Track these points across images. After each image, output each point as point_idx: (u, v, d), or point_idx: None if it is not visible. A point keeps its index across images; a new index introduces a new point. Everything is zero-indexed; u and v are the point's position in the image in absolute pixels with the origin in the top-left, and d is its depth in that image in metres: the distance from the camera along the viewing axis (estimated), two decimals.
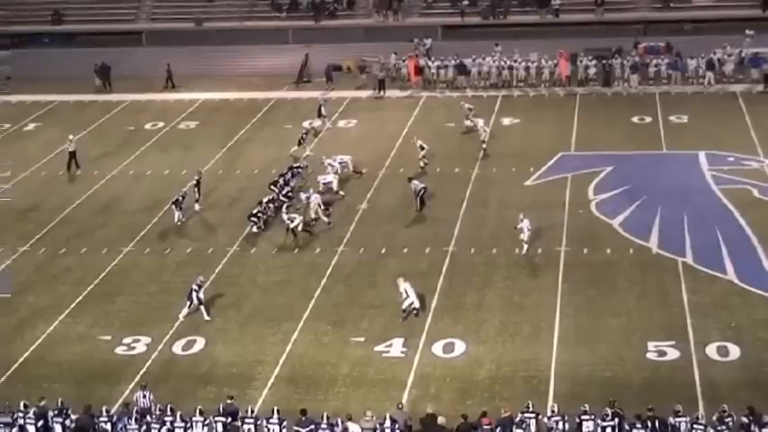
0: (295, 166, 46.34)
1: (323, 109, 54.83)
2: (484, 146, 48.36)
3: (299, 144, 49.19)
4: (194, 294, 35.24)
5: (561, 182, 44.94)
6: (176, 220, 42.47)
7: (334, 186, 44.64)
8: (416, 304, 34.11)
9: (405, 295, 34.28)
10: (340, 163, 46.35)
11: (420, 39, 63.96)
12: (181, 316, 35.12)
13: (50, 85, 62.95)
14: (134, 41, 70.83)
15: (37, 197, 46.74)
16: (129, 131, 55.35)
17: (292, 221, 40.41)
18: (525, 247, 38.15)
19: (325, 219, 41.75)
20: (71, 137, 50.31)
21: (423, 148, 47.06)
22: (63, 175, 49.10)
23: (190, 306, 35.27)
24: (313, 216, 41.72)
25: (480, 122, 49.63)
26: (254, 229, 41.33)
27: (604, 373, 30.75)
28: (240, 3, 72.18)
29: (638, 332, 32.64)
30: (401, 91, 59.56)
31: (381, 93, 59.06)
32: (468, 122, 51.29)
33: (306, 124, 52.59)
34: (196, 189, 43.70)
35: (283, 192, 43.44)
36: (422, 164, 46.78)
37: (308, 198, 42.17)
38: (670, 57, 58.62)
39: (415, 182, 43.37)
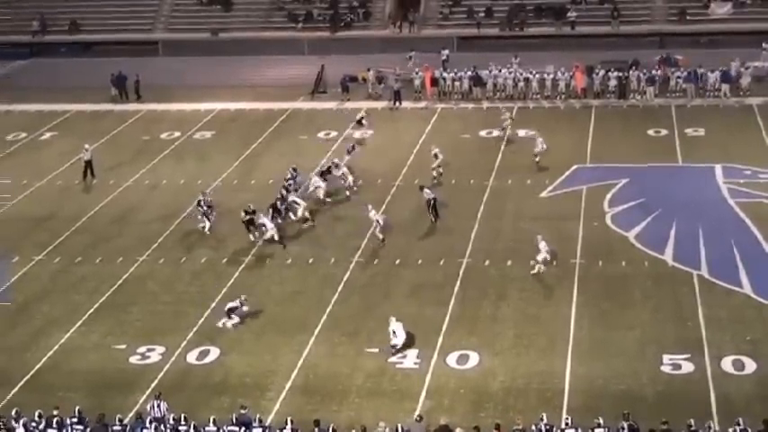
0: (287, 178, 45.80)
1: (364, 120, 54.62)
2: (537, 159, 48.25)
3: (348, 153, 49.18)
4: (239, 309, 35.33)
5: (576, 194, 44.86)
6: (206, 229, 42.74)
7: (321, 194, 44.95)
8: (399, 346, 33.16)
9: (392, 336, 33.28)
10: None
11: (413, 52, 64.25)
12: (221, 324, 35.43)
13: (67, 94, 63.17)
14: (150, 51, 71.11)
15: (52, 206, 46.87)
16: (145, 141, 55.49)
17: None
18: (538, 267, 37.61)
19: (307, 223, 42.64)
20: (87, 146, 50.47)
21: (437, 157, 47.04)
22: (78, 185, 49.25)
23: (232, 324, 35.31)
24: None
25: (530, 134, 50.09)
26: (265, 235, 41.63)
27: (619, 385, 30.65)
28: (256, 13, 72.51)
29: (653, 345, 32.54)
30: (416, 102, 59.52)
31: (397, 104, 59.04)
32: (502, 132, 51.38)
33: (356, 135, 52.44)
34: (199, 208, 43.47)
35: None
36: (435, 173, 46.77)
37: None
38: (686, 70, 58.42)
39: (427, 190, 43.39)
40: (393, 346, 33.15)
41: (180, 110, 60.68)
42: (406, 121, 56.74)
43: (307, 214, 43.11)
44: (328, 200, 45.00)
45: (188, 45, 70.52)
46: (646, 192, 44.54)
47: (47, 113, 61.05)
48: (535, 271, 37.57)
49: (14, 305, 37.85)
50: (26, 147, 55.90)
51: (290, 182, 45.08)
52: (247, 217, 41.75)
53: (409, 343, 33.35)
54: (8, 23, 73.83)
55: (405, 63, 62.72)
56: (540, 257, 37.62)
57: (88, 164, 49.75)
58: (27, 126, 58.86)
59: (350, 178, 46.23)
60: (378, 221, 40.65)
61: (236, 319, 35.30)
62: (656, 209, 42.72)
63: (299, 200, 43.65)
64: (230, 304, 35.55)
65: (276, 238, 41.23)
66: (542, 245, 37.72)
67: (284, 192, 43.97)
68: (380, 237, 40.71)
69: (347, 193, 46.02)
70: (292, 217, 43.14)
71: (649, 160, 48.26)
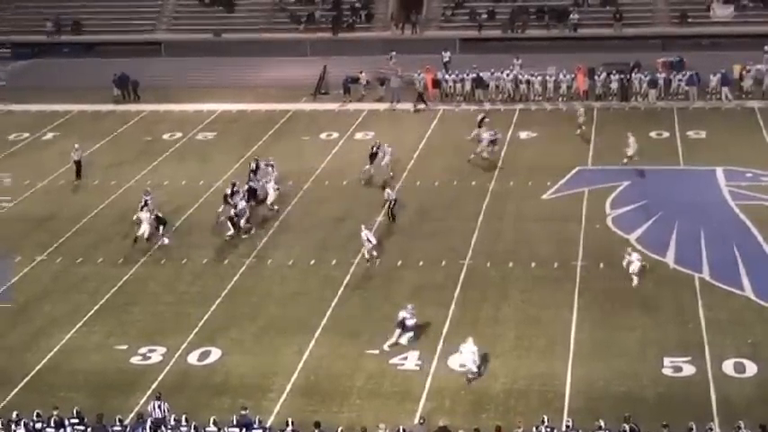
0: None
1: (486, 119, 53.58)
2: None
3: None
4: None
5: (578, 196, 44.86)
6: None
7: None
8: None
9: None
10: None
11: (393, 53, 64.25)
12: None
13: (69, 94, 63.22)
14: (153, 52, 71.14)
15: (54, 207, 46.90)
16: (147, 142, 55.53)
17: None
18: (635, 279, 36.52)
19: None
20: (76, 145, 50.59)
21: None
22: (80, 185, 49.25)
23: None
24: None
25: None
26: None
27: (620, 388, 30.62)
28: (259, 15, 72.55)
29: (654, 347, 32.53)
30: (418, 104, 59.47)
31: (422, 105, 58.72)
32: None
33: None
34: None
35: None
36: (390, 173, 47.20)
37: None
38: (688, 72, 58.41)
39: (388, 190, 43.58)
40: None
41: (182, 110, 60.70)
42: (407, 122, 56.74)
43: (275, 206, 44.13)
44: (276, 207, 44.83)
45: (190, 46, 70.55)
46: (648, 194, 44.54)
47: (49, 113, 61.09)
48: (635, 283, 36.35)
49: (16, 305, 37.84)
50: (28, 147, 55.94)
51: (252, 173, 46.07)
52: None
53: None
54: (10, 23, 73.86)
55: (406, 65, 62.61)
56: (634, 269, 36.56)
57: (78, 164, 49.83)
58: (29, 126, 58.91)
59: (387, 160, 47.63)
60: (369, 240, 39.42)
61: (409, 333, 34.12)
62: (658, 211, 42.71)
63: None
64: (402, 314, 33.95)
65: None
66: (635, 256, 36.74)
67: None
68: (374, 254, 39.47)
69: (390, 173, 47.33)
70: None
71: (651, 163, 48.22)
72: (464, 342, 31.71)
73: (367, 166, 47.90)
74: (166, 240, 41.93)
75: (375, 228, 41.91)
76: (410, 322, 33.52)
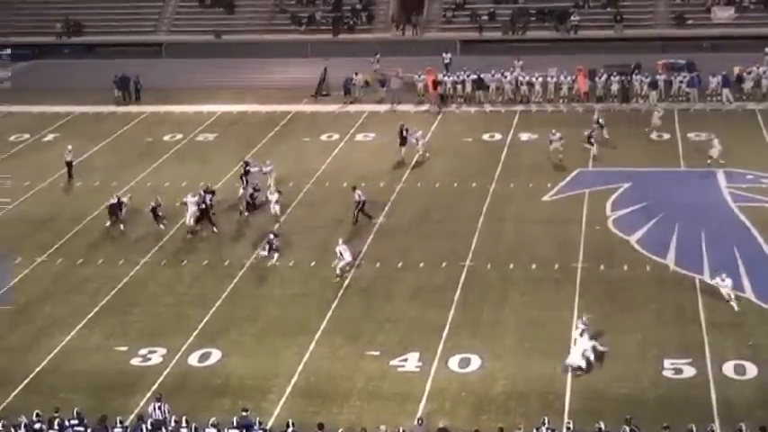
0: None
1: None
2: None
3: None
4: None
5: (578, 198, 44.86)
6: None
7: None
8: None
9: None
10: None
11: (377, 55, 64.29)
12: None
13: (70, 96, 63.24)
14: (154, 53, 71.18)
15: (54, 208, 46.93)
16: (148, 143, 55.55)
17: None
18: (734, 304, 34.98)
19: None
20: (69, 147, 50.62)
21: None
22: (80, 186, 49.29)
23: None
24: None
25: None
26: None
27: (620, 389, 30.61)
28: (259, 16, 72.61)
29: (655, 349, 32.51)
30: (418, 105, 59.47)
31: (443, 108, 58.72)
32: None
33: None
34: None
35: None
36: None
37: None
38: (689, 74, 58.41)
39: (359, 192, 43.50)
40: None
41: (183, 112, 60.72)
42: (407, 124, 56.51)
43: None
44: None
45: (191, 47, 70.61)
46: (648, 196, 44.53)
47: (50, 115, 61.11)
48: (736, 308, 34.76)
49: (16, 306, 37.85)
50: (29, 148, 55.98)
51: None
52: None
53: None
54: (10, 25, 73.88)
55: (407, 66, 62.56)
56: (728, 292, 35.35)
57: (69, 165, 49.86)
58: (30, 127, 58.94)
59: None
60: (342, 255, 38.56)
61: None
62: (659, 213, 42.70)
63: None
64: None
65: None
66: (727, 282, 35.27)
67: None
68: (347, 269, 38.74)
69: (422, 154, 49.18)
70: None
71: (652, 164, 48.26)
72: (579, 336, 31.75)
73: (402, 152, 49.76)
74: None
75: (375, 228, 42.04)
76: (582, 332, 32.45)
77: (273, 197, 43.32)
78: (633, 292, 36.44)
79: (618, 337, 33.30)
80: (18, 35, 73.22)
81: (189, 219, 42.91)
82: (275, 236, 40.58)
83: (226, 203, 45.51)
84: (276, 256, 39.99)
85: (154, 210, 43.15)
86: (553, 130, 49.51)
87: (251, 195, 44.80)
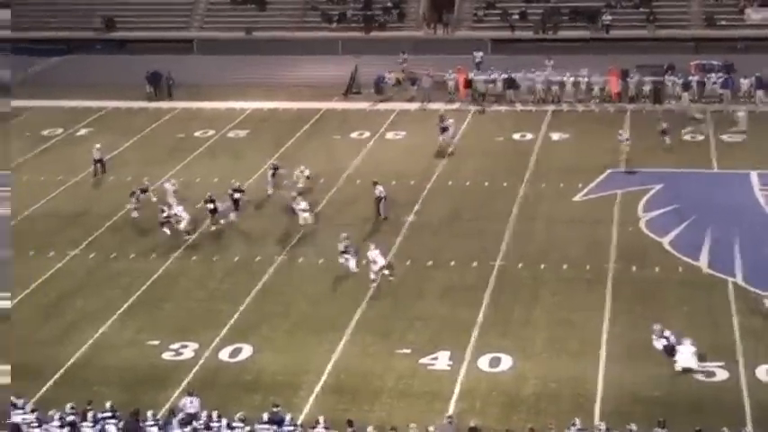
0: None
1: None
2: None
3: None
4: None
5: (610, 199, 44.70)
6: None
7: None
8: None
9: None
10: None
11: (405, 55, 64.14)
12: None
13: (102, 91, 63.45)
14: (185, 49, 71.34)
15: (86, 202, 47.15)
16: (179, 139, 55.72)
17: None
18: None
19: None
20: (98, 145, 50.96)
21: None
22: (112, 181, 49.47)
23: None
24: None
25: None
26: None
27: (652, 392, 30.49)
28: (290, 13, 72.61)
29: None
30: (449, 104, 59.38)
31: (482, 107, 58.69)
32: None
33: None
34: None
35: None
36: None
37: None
38: (725, 75, 58.09)
39: (380, 187, 43.50)
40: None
41: (214, 108, 60.87)
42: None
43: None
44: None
45: (222, 44, 70.69)
46: (681, 198, 44.32)
47: (82, 110, 61.34)
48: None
49: (49, 300, 38.11)
50: (62, 142, 56.25)
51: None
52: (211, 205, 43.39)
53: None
54: (43, 20, 74.28)
55: (437, 65, 62.52)
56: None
57: (98, 162, 50.22)
58: (63, 122, 59.21)
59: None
60: (375, 261, 37.99)
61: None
62: (691, 215, 42.49)
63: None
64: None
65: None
66: None
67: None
68: (386, 273, 38.19)
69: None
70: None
71: (684, 166, 48.01)
72: (681, 344, 31.48)
73: (440, 139, 51.10)
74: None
75: (406, 226, 42.08)
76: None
77: (300, 206, 43.11)
78: (665, 294, 36.30)
79: (649, 338, 33.05)
80: (52, 30, 73.53)
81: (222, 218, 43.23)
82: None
83: (255, 201, 45.52)
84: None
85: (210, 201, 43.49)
86: (620, 131, 49.25)
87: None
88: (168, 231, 42.46)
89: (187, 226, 42.52)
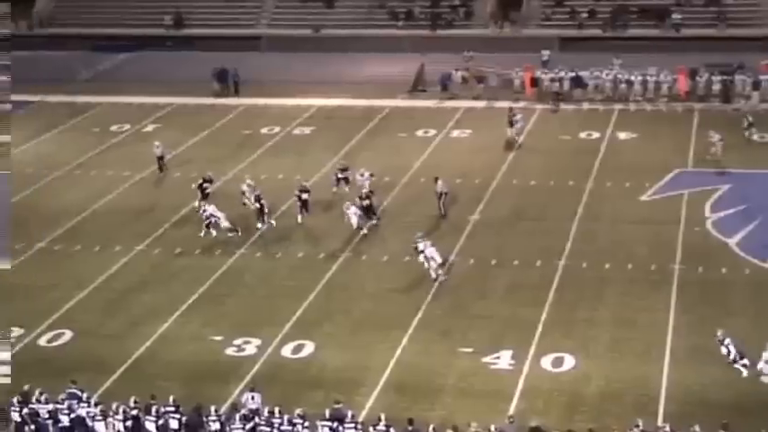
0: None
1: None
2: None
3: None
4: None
5: (677, 198, 44.22)
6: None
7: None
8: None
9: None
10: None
11: (470, 53, 63.63)
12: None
13: (170, 87, 63.98)
14: (252, 47, 71.73)
15: (153, 198, 47.64)
16: (246, 135, 56.04)
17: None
18: None
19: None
20: (157, 143, 51.42)
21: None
22: (178, 177, 49.88)
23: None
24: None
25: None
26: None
27: (716, 394, 30.13)
28: (358, 11, 72.80)
29: (753, 355, 31.81)
30: (516, 102, 59.00)
31: (557, 106, 58.36)
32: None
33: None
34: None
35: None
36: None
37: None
38: None
39: (440, 182, 43.33)
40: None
41: (280, 105, 61.10)
42: (504, 120, 56.26)
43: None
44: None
45: (290, 41, 71.06)
46: (749, 198, 43.72)
47: (150, 106, 61.93)
48: None
49: (114, 294, 38.55)
50: (130, 138, 56.86)
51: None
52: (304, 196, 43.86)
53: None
54: (114, 17, 75.22)
55: (504, 63, 62.19)
56: None
57: (160, 159, 50.73)
58: (131, 118, 59.86)
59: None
60: (433, 259, 37.75)
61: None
62: (759, 216, 41.89)
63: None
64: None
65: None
66: None
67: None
68: (440, 273, 38.08)
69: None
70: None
71: (753, 166, 47.32)
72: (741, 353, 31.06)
73: (509, 132, 51.90)
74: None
75: (470, 224, 41.98)
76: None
77: (350, 210, 42.78)
78: (731, 295, 35.85)
79: (715, 340, 32.70)
80: (122, 27, 74.45)
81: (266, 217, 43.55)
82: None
83: (319, 199, 45.58)
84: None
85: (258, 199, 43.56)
86: (711, 132, 48.47)
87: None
88: (214, 232, 42.62)
89: (227, 224, 42.61)
